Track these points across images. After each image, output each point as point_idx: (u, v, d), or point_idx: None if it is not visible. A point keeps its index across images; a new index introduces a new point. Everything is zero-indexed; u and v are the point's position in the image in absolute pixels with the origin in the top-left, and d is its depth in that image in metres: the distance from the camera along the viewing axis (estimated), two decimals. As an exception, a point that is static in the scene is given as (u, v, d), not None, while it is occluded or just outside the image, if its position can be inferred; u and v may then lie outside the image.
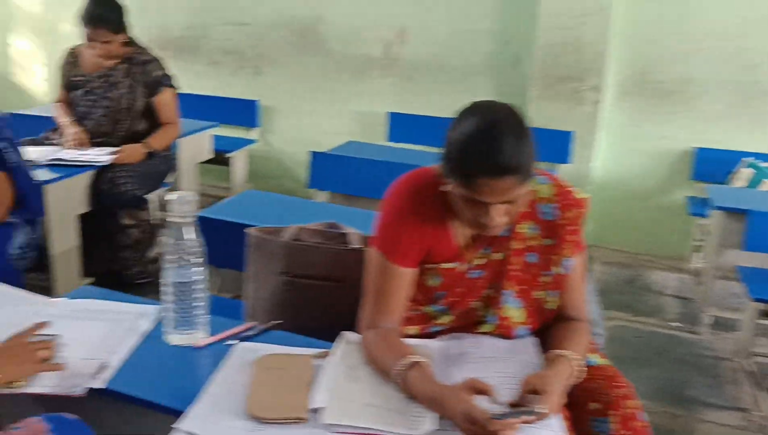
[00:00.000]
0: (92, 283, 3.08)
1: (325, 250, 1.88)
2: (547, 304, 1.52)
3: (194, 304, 1.52)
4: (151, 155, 3.19)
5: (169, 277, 1.49)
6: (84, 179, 3.00)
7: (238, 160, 4.37)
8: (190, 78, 4.68)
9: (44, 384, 1.33)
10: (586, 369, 1.43)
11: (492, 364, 1.42)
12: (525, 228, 1.49)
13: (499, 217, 1.35)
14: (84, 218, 3.03)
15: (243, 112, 4.55)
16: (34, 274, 2.78)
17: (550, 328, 1.52)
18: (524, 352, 1.47)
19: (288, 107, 4.51)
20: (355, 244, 1.88)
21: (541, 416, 1.21)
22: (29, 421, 1.17)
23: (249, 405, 1.27)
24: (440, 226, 1.48)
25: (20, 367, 1.32)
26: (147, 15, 4.59)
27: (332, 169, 3.26)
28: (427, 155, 3.45)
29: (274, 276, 1.95)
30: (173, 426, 1.22)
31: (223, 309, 1.86)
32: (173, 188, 3.68)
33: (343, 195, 3.27)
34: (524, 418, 1.18)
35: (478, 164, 1.30)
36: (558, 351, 1.40)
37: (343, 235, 1.92)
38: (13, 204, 2.40)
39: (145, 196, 3.21)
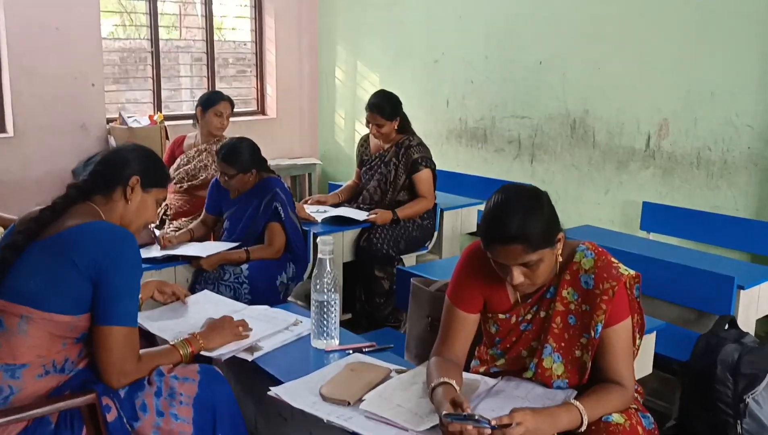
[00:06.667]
0: (349, 320, 3.86)
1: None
2: (583, 364, 1.75)
3: (330, 320, 2.10)
4: (398, 221, 3.87)
5: (313, 297, 2.10)
6: (350, 235, 3.82)
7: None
8: (479, 163, 5.39)
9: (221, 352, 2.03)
10: (585, 420, 1.62)
11: (519, 402, 1.72)
12: (567, 293, 1.77)
13: (519, 277, 1.68)
14: (348, 266, 3.85)
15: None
16: (304, 303, 3.65)
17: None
18: (552, 399, 1.73)
19: (557, 193, 4.88)
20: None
21: (501, 431, 1.48)
22: (190, 366, 1.86)
23: (322, 386, 1.79)
24: (496, 283, 1.83)
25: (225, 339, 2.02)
26: (452, 108, 5.44)
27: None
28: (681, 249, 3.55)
29: (423, 319, 2.44)
30: (269, 389, 1.80)
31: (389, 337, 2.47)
32: (433, 252, 4.34)
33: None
34: (475, 426, 1.47)
35: (489, 233, 1.66)
36: (572, 400, 1.64)
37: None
38: (285, 249, 3.29)
39: (399, 256, 3.91)
